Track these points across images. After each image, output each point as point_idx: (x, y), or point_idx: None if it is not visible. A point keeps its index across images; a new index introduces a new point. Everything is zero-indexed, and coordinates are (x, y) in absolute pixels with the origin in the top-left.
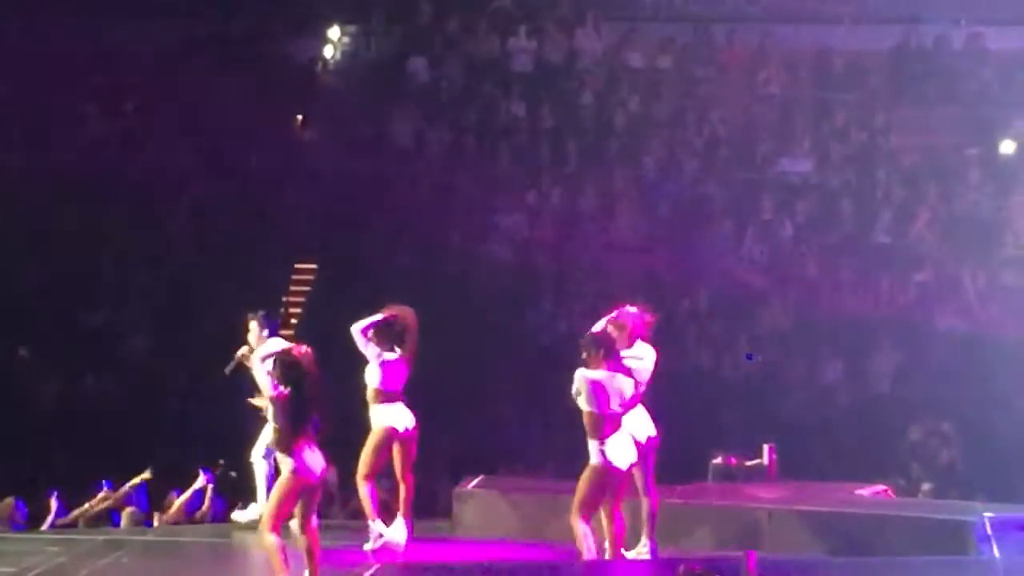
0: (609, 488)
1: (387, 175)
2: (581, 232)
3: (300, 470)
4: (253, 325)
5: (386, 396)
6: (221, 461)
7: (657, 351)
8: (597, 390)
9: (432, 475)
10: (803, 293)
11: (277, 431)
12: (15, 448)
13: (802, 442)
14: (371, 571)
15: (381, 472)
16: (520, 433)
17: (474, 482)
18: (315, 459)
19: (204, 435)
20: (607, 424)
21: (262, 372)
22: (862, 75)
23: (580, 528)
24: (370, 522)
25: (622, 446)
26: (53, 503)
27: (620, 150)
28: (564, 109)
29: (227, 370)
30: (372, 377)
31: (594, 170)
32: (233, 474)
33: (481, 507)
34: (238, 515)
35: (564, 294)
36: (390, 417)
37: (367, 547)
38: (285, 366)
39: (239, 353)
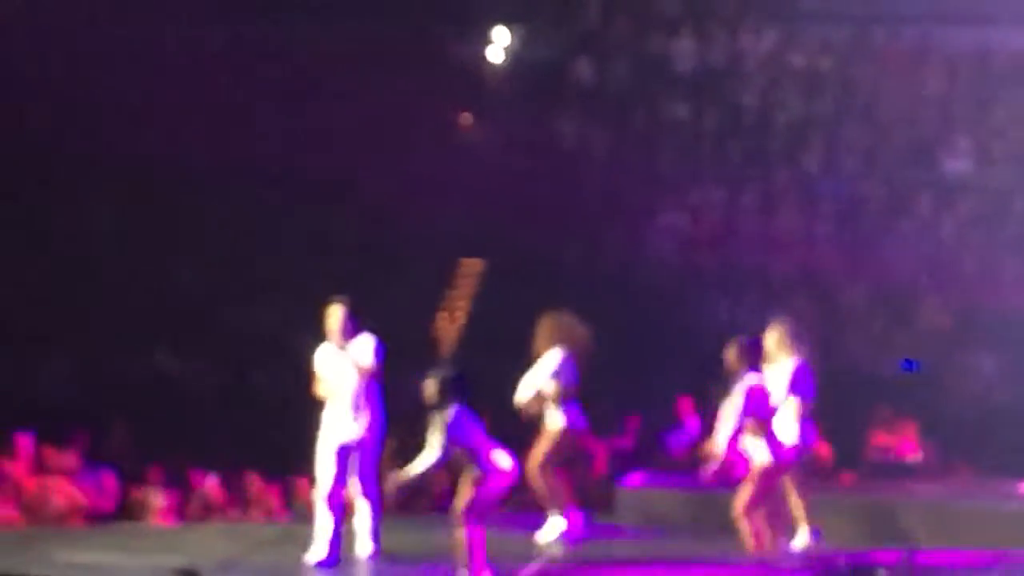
0: (773, 486)
1: (551, 175)
2: (742, 230)
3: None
4: (336, 309)
5: (564, 394)
6: None
7: (814, 349)
8: (751, 394)
9: (595, 471)
10: (962, 291)
11: None
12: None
13: (961, 438)
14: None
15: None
16: (679, 429)
17: (637, 478)
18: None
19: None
20: (769, 423)
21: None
22: (1022, 74)
23: (747, 524)
24: (554, 514)
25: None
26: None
27: (781, 150)
28: (726, 109)
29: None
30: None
31: (755, 169)
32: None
33: (645, 503)
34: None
35: (725, 292)
36: (568, 415)
37: (539, 538)
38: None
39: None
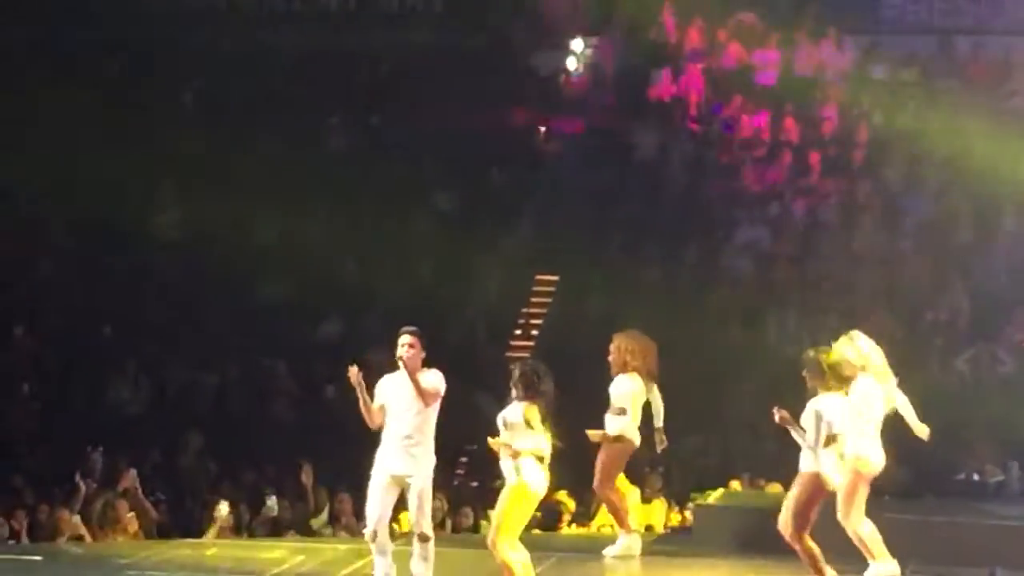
0: (821, 499)
1: (629, 187)
2: (824, 244)
3: (532, 482)
4: (407, 338)
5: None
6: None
7: (897, 363)
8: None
9: (670, 487)
10: None
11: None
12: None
13: None
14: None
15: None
16: (758, 447)
17: (713, 495)
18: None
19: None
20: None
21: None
22: None
23: (805, 545)
24: (623, 531)
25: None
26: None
27: (863, 162)
28: (807, 121)
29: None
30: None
31: (837, 182)
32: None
33: (721, 520)
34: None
35: (806, 307)
36: (630, 430)
37: (607, 553)
38: (538, 375)
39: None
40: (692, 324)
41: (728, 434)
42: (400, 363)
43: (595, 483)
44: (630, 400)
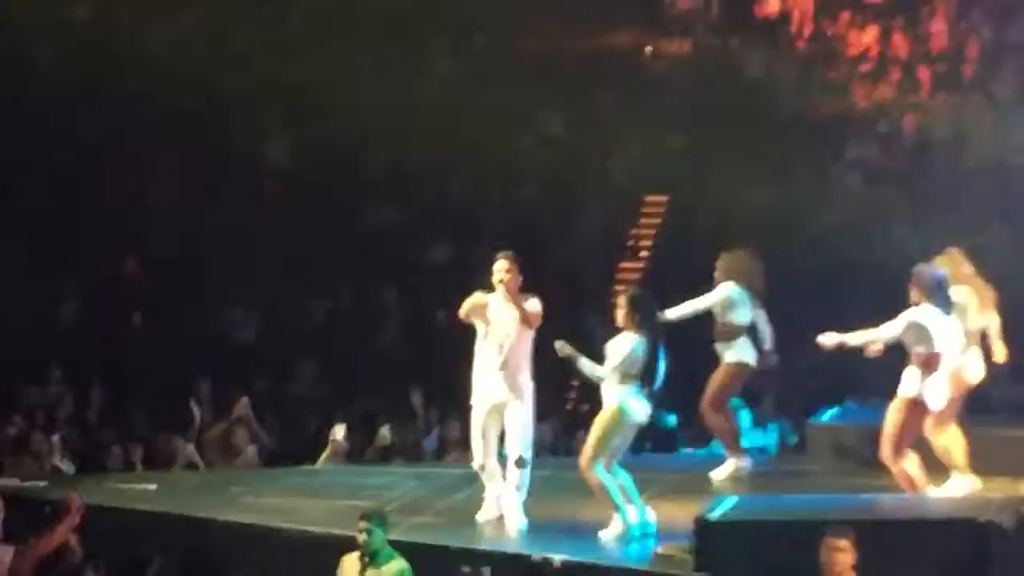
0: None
1: (736, 106)
2: (934, 160)
3: (630, 407)
4: (506, 265)
5: (737, 331)
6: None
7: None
8: (926, 327)
9: (781, 407)
10: None
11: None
12: (363, 384)
13: None
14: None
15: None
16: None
17: (829, 414)
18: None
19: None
20: (932, 362)
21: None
22: None
23: (901, 467)
24: (729, 453)
25: (938, 385)
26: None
27: (973, 76)
28: (916, 37)
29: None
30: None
31: (947, 97)
32: None
33: (836, 441)
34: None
35: (916, 223)
36: (744, 352)
37: (715, 475)
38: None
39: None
40: (802, 241)
41: (839, 352)
42: (501, 287)
43: (703, 402)
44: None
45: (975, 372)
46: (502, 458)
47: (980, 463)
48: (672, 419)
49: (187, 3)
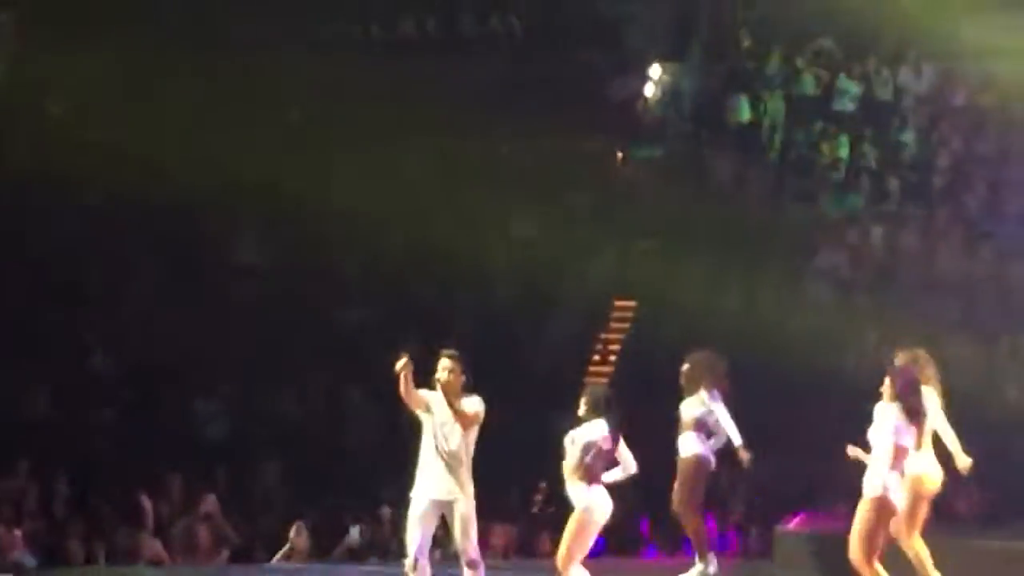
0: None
1: (707, 213)
2: (902, 271)
3: (597, 507)
4: (449, 364)
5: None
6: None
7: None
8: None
9: (749, 513)
10: None
11: (581, 465)
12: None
13: None
14: None
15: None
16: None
17: (795, 521)
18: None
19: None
20: (898, 457)
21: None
22: None
23: (873, 570)
24: (698, 557)
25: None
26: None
27: (943, 188)
28: (886, 147)
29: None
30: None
31: (916, 209)
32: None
33: (804, 547)
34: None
35: (885, 333)
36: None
37: None
38: (603, 398)
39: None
40: (772, 349)
41: (808, 459)
42: (438, 386)
43: (674, 504)
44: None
45: (936, 474)
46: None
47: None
48: None
49: (162, 103)
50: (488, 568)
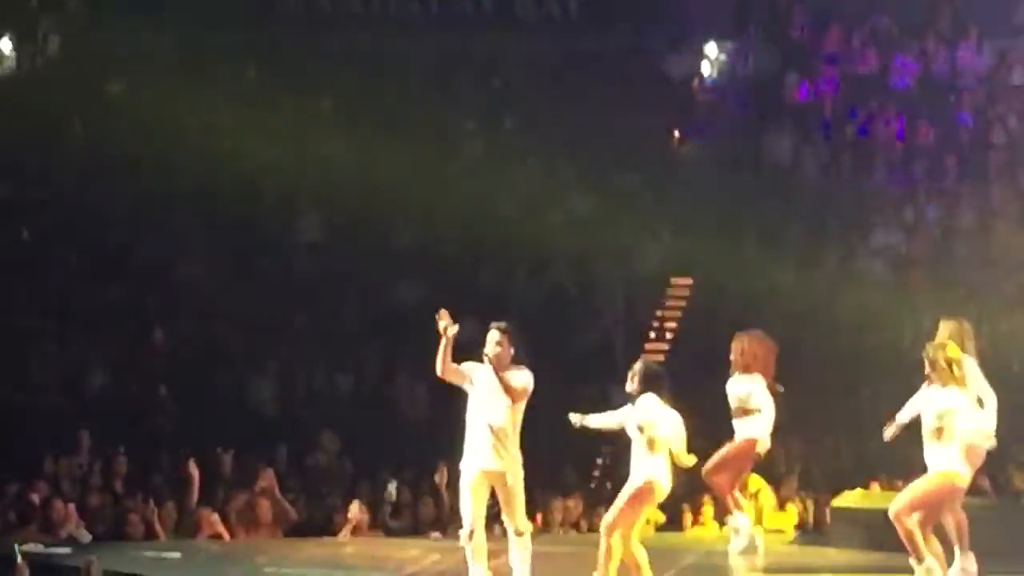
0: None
1: (763, 192)
2: (958, 248)
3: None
4: (498, 336)
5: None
6: None
7: None
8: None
9: (808, 489)
10: None
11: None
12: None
13: None
14: None
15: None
16: (889, 450)
17: (850, 496)
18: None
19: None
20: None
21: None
22: None
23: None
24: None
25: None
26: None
27: (999, 166)
28: (942, 125)
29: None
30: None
31: (972, 186)
32: None
33: (859, 523)
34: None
35: (940, 311)
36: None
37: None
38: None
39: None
40: (827, 327)
41: (864, 436)
42: (486, 359)
43: (706, 467)
44: (755, 401)
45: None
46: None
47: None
48: None
49: (218, 82)
50: (546, 543)
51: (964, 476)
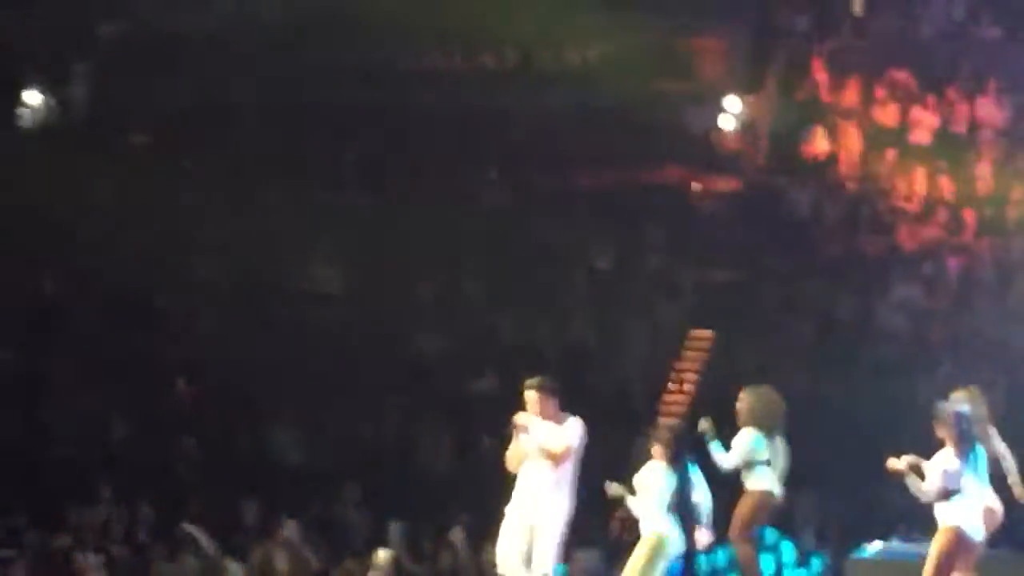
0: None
1: (783, 244)
2: (977, 301)
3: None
4: (531, 395)
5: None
6: None
7: None
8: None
9: (824, 543)
10: None
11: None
12: (410, 509)
13: None
14: None
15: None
16: (913, 501)
17: (868, 550)
18: None
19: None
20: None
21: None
22: None
23: None
24: None
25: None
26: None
27: (1018, 220)
28: (962, 179)
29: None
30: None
31: (992, 240)
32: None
33: (877, 574)
34: None
35: (960, 365)
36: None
37: None
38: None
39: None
40: (846, 380)
41: (881, 489)
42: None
43: (731, 532)
44: (754, 453)
45: (999, 505)
46: None
47: None
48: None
49: (245, 128)
50: None
51: (970, 530)
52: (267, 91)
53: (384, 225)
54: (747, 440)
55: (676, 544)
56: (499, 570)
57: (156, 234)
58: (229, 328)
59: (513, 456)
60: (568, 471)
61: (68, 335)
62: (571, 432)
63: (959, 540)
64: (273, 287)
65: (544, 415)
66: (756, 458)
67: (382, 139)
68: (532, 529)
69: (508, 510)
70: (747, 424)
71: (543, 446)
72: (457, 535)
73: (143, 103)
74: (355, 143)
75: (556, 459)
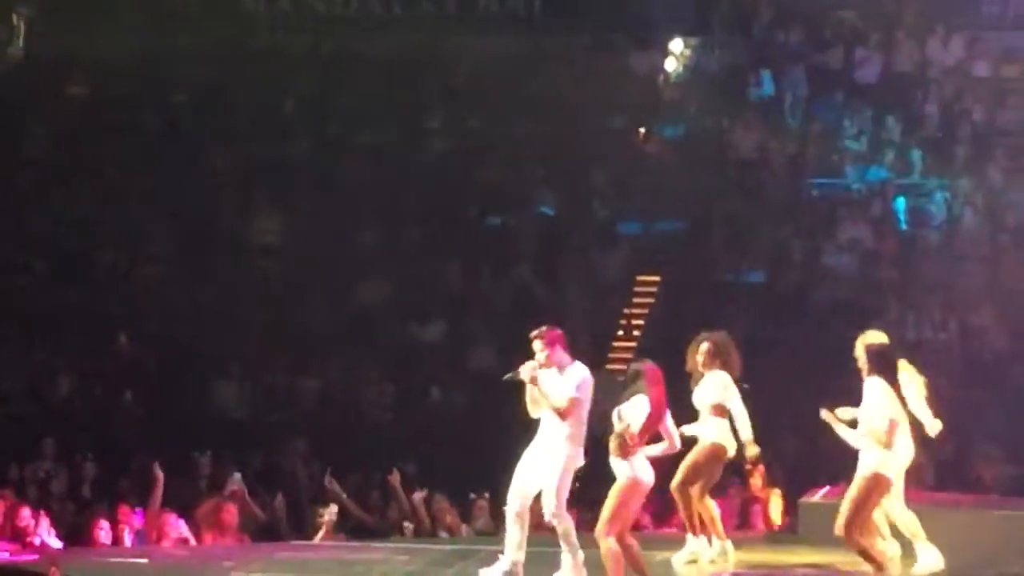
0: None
1: (729, 188)
2: (925, 242)
3: (641, 475)
4: (537, 344)
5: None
6: None
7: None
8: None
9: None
10: None
11: (619, 437)
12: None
13: None
14: None
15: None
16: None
17: (820, 493)
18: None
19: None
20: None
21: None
22: None
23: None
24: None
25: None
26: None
27: (965, 159)
28: (909, 120)
29: (506, 377)
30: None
31: (939, 179)
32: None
33: (828, 518)
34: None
35: (908, 306)
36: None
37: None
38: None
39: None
40: (794, 323)
41: (830, 432)
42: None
43: (674, 482)
44: (730, 398)
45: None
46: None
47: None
48: None
49: (182, 79)
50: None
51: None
52: (205, 40)
53: (325, 173)
54: (727, 382)
55: (648, 483)
56: (506, 509)
57: (94, 187)
58: (170, 281)
59: (531, 403)
60: (577, 422)
61: (3, 292)
62: (575, 383)
63: (878, 485)
64: (214, 238)
65: (551, 364)
66: (728, 403)
67: (322, 86)
68: (541, 476)
69: (525, 453)
70: (716, 368)
71: (549, 402)
72: (395, 478)
73: (82, 53)
74: (294, 91)
75: (562, 414)
